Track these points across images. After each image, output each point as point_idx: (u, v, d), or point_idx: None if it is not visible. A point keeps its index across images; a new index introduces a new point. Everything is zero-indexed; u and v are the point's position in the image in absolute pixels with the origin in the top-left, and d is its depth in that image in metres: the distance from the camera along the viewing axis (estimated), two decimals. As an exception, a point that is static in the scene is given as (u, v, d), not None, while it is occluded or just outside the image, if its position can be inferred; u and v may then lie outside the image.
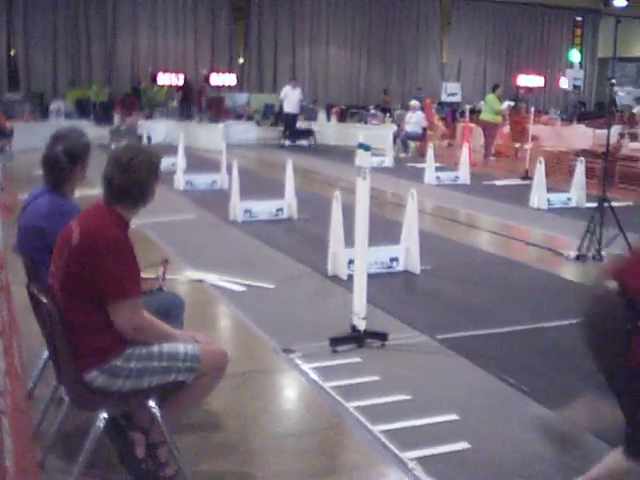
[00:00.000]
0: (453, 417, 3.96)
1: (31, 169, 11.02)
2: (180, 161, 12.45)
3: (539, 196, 11.04)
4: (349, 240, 5.94)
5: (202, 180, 12.23)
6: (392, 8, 29.84)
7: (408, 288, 6.72)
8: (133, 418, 3.33)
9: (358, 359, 4.78)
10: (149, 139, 17.61)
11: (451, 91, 27.60)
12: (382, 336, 5.04)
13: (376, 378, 4.47)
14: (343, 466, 3.59)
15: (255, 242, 8.28)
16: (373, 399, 4.16)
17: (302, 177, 11.59)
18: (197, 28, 27.10)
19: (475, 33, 31.70)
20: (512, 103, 20.18)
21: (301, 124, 20.77)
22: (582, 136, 16.32)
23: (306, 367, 4.63)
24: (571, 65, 29.88)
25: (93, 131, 15.77)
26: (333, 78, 29.53)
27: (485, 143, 17.58)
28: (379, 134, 17.57)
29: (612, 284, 2.52)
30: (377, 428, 3.81)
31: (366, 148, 4.89)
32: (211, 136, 18.40)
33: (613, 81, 10.07)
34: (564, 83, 27.49)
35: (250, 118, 23.81)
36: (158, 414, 3.09)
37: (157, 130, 19.19)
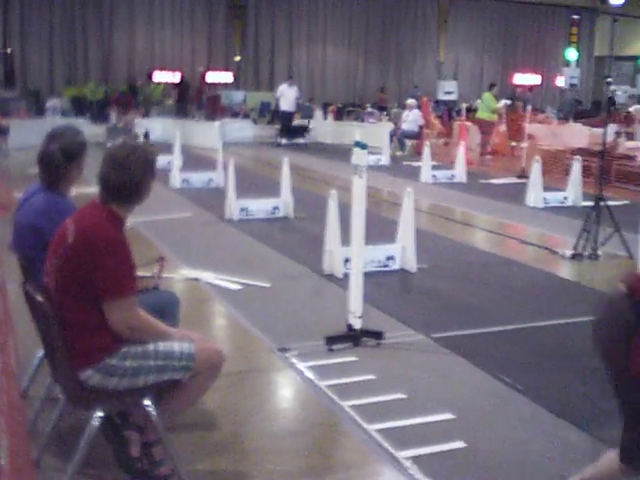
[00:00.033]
0: (449, 416, 3.95)
1: (27, 167, 11.02)
2: (176, 159, 12.43)
3: (535, 195, 11.05)
4: (345, 239, 5.95)
5: (198, 178, 12.21)
6: (389, 7, 29.88)
7: (404, 287, 6.72)
8: (128, 417, 3.33)
9: (354, 358, 4.78)
10: (147, 135, 17.57)
11: (448, 89, 27.69)
12: (378, 335, 5.05)
13: (372, 377, 4.47)
14: (338, 465, 3.59)
15: (251, 240, 8.28)
16: (369, 398, 4.15)
17: (298, 175, 11.58)
18: (194, 26, 27.07)
19: (472, 31, 31.74)
20: (509, 101, 20.18)
21: (297, 122, 20.77)
22: (578, 135, 16.32)
23: (302, 366, 4.62)
24: (568, 63, 29.93)
25: (89, 129, 15.75)
26: (330, 76, 29.54)
27: (481, 141, 17.58)
28: (376, 132, 17.59)
29: (621, 287, 2.52)
30: (372, 427, 3.81)
31: (362, 146, 4.90)
32: (207, 134, 18.38)
33: (610, 80, 10.05)
34: (560, 81, 27.54)
35: (246, 116, 23.83)
36: (153, 413, 3.09)
37: (153, 128, 19.16)
